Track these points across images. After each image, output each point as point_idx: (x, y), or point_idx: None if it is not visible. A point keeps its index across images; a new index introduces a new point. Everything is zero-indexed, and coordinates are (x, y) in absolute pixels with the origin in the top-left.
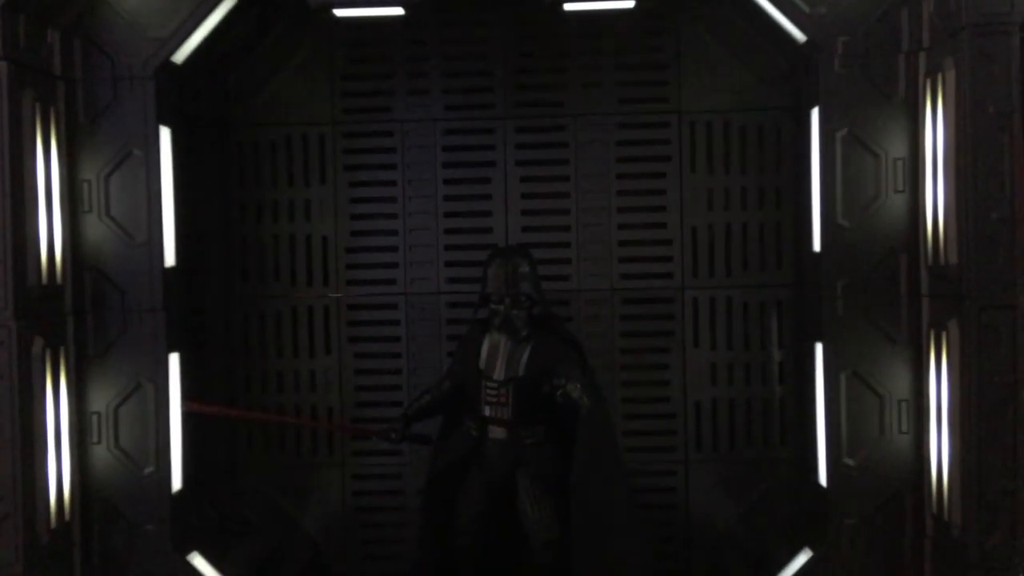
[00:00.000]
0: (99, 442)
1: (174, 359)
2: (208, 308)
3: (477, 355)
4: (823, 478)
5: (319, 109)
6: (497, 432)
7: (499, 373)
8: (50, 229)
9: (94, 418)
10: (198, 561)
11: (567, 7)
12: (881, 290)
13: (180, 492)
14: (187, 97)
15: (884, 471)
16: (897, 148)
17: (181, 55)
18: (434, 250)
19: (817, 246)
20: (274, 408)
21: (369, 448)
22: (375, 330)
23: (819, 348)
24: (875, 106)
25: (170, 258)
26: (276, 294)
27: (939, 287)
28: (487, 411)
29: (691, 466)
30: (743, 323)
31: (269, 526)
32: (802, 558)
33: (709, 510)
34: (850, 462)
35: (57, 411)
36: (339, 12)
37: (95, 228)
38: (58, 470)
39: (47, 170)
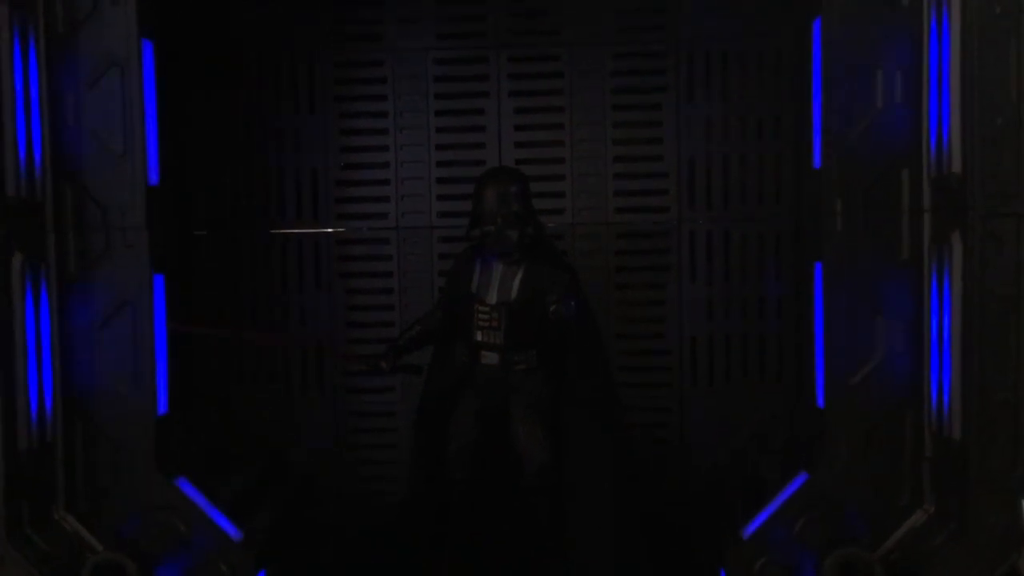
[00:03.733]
0: (82, 361)
1: (159, 282)
2: (196, 241)
3: (469, 279)
4: (820, 400)
5: (308, 37)
6: (489, 358)
7: (491, 297)
8: (29, 141)
9: (77, 337)
10: (184, 486)
11: None
12: (882, 206)
13: (166, 416)
14: (172, 19)
15: (883, 391)
16: (900, 57)
17: None
18: (426, 183)
19: (817, 163)
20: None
21: (361, 386)
22: (366, 265)
23: (818, 267)
24: (878, 15)
25: (154, 177)
26: (265, 227)
27: (941, 199)
28: (479, 336)
29: (686, 402)
30: (740, 257)
31: (258, 462)
32: (799, 481)
33: (704, 446)
34: (848, 382)
35: (39, 329)
36: None
37: (75, 142)
38: (40, 389)
39: (26, 80)
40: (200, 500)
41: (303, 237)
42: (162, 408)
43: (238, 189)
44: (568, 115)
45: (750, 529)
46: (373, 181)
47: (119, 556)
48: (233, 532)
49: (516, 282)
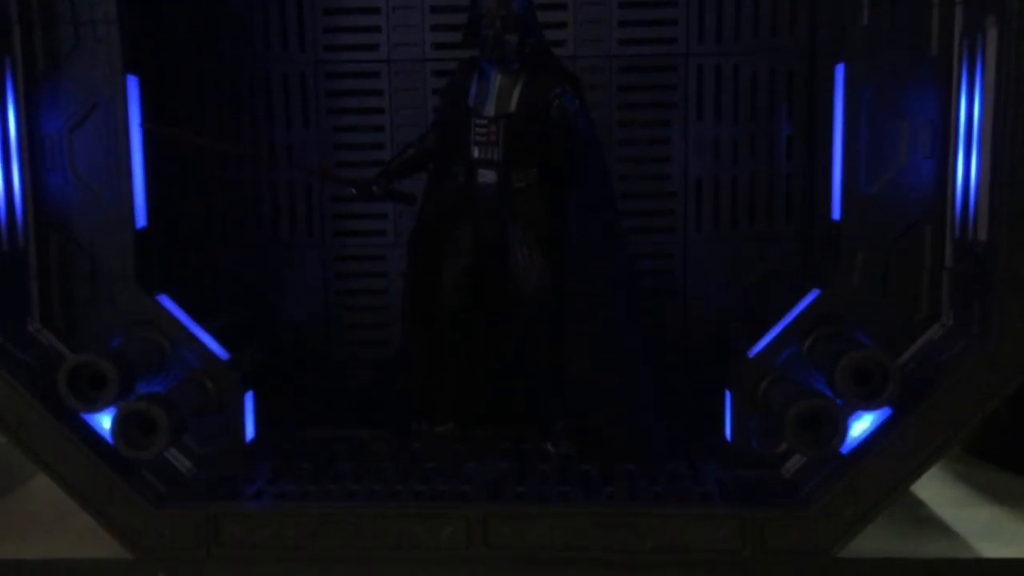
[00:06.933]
0: (54, 167)
1: (133, 84)
2: (173, 74)
3: (465, 92)
4: (836, 212)
5: None
6: (486, 176)
7: (489, 109)
8: None
9: (47, 141)
10: (166, 302)
11: None
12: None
13: (145, 229)
14: None
15: (903, 200)
16: None
17: None
18: (419, 12)
19: None
20: (248, 183)
21: (350, 228)
22: (355, 100)
23: (839, 68)
24: None
25: None
26: (248, 58)
27: None
28: (476, 152)
29: (690, 247)
30: (751, 94)
31: (245, 306)
32: (809, 298)
33: (709, 292)
34: (867, 191)
35: (4, 128)
36: None
37: None
38: (8, 193)
39: None
40: (184, 317)
41: (288, 69)
42: (141, 221)
43: (220, 20)
44: None
45: (756, 348)
46: (362, 9)
47: (98, 360)
48: (220, 352)
49: (515, 93)
